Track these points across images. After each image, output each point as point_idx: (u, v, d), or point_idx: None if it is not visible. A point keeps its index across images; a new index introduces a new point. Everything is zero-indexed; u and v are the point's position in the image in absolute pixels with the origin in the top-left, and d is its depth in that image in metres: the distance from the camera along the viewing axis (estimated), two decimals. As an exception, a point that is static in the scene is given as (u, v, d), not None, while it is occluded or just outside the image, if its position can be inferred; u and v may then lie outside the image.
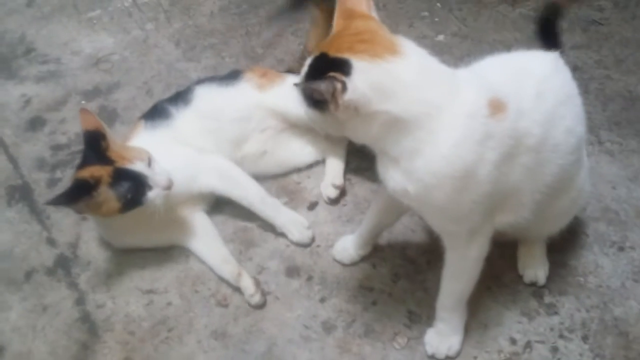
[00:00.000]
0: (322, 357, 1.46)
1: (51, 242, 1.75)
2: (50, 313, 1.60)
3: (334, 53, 1.07)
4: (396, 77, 1.06)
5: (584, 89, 1.79)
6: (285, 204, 1.76)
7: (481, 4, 2.33)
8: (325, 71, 1.05)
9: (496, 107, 1.11)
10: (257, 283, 1.56)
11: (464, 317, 1.41)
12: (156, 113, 1.73)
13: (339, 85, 1.03)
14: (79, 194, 1.42)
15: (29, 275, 1.68)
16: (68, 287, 1.65)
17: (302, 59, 1.80)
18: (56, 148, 1.99)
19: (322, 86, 1.03)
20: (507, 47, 2.11)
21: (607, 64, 2.06)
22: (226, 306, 1.57)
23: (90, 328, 1.56)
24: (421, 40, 2.12)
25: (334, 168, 1.79)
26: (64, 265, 1.69)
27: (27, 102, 2.16)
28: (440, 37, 2.21)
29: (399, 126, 1.08)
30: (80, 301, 1.62)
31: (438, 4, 2.32)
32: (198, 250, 1.65)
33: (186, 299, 1.59)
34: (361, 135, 1.14)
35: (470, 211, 1.17)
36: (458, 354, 1.42)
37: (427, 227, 1.60)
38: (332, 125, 1.13)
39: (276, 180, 1.83)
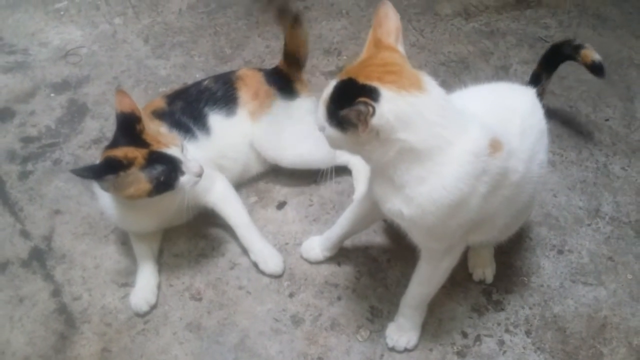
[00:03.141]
0: (291, 349, 1.56)
1: (25, 234, 1.79)
2: (26, 304, 1.65)
3: (363, 80, 1.13)
4: (418, 110, 1.13)
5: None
6: (255, 203, 1.85)
7: (437, 17, 2.46)
8: (354, 96, 1.10)
9: (495, 147, 1.20)
10: None
11: (424, 314, 1.54)
12: (176, 124, 1.72)
13: (370, 109, 1.09)
14: (106, 171, 1.43)
15: (3, 266, 1.72)
16: (44, 279, 1.69)
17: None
18: (26, 140, 2.01)
19: (361, 107, 1.09)
20: (462, 59, 2.27)
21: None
22: (200, 300, 1.65)
23: (67, 319, 1.62)
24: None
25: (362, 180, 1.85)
26: (38, 258, 1.74)
27: (-5, 92, 2.17)
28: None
29: (412, 155, 1.16)
30: (56, 293, 1.67)
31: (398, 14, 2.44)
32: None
33: (161, 293, 1.66)
34: (376, 158, 1.20)
35: (454, 232, 1.29)
36: (415, 347, 1.55)
37: (388, 229, 1.74)
38: (349, 145, 1.20)
39: (246, 181, 1.91)
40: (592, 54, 1.83)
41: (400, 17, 1.25)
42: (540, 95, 1.62)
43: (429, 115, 1.14)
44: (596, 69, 1.85)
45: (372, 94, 1.11)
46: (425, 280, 1.45)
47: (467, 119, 1.21)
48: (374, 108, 1.09)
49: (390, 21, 1.22)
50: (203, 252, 1.75)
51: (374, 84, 1.12)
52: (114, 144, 1.51)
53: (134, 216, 1.64)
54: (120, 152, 1.45)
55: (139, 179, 1.45)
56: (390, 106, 1.11)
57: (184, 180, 1.50)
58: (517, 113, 1.35)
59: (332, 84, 1.20)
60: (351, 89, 1.14)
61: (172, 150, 1.50)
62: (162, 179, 1.47)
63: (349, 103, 1.10)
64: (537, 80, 1.89)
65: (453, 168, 1.17)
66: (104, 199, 1.62)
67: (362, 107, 1.08)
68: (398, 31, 1.23)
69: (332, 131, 1.19)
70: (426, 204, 1.19)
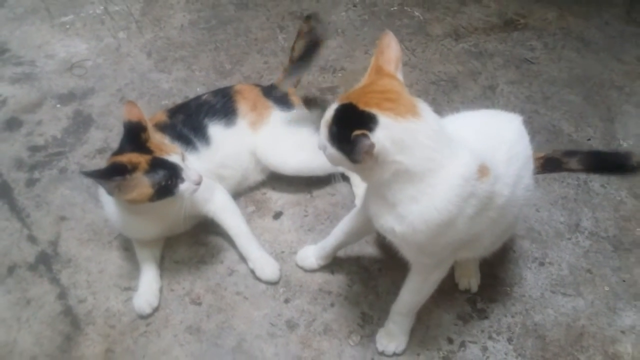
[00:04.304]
0: (286, 352, 1.64)
1: (32, 239, 1.86)
2: (33, 306, 1.72)
3: (363, 106, 1.20)
4: (413, 135, 1.20)
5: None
6: (253, 213, 1.94)
7: (429, 37, 2.57)
8: (353, 121, 1.19)
9: (483, 172, 1.27)
10: None
11: (412, 321, 1.63)
12: (178, 136, 1.80)
13: (372, 144, 1.16)
14: (113, 174, 1.50)
15: (11, 270, 1.79)
16: (50, 283, 1.77)
17: (286, 70, 2.02)
18: (34, 149, 2.09)
19: (366, 142, 1.15)
20: (451, 78, 2.37)
21: (536, 99, 2.32)
22: (199, 304, 1.73)
23: (72, 321, 1.69)
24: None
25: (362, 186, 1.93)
26: (45, 262, 1.81)
27: (3, 102, 2.24)
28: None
29: (406, 176, 1.23)
30: (62, 296, 1.74)
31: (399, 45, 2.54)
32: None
33: (162, 297, 1.74)
34: (373, 178, 1.28)
35: (442, 249, 1.37)
36: (404, 351, 1.63)
37: (379, 240, 1.83)
38: (349, 165, 1.26)
39: (244, 191, 1.99)
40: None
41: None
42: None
43: (423, 139, 1.21)
44: None
45: (370, 120, 1.18)
46: (415, 291, 1.54)
47: (458, 144, 1.27)
48: (373, 144, 1.16)
49: (391, 50, 1.30)
50: (203, 259, 1.83)
51: (373, 110, 1.19)
52: (120, 151, 1.59)
53: (136, 223, 1.72)
54: (125, 158, 1.54)
55: (142, 183, 1.53)
56: (387, 132, 1.18)
57: (183, 187, 1.57)
58: (504, 141, 1.42)
59: (333, 106, 1.27)
60: (351, 114, 1.22)
61: (173, 158, 1.58)
62: (163, 184, 1.54)
63: (349, 127, 1.17)
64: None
65: (444, 190, 1.23)
66: (109, 207, 1.70)
67: (366, 142, 1.15)
68: (398, 60, 1.31)
69: (333, 151, 1.26)
70: (417, 222, 1.26)
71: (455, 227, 1.28)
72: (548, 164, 1.75)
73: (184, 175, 1.57)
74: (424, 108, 1.25)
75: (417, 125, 1.21)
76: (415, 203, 1.25)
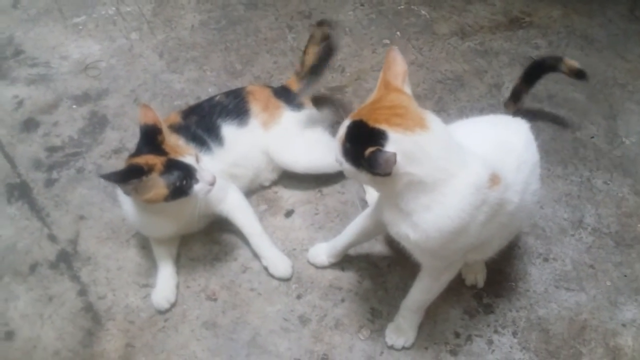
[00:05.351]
0: (298, 346, 1.71)
1: (52, 238, 1.93)
2: (55, 303, 1.79)
3: (373, 123, 1.26)
4: (423, 147, 1.26)
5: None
6: (264, 211, 2.00)
7: (435, 36, 2.60)
8: (365, 138, 1.25)
9: (494, 180, 1.32)
10: None
11: (421, 317, 1.69)
12: (192, 137, 1.85)
13: (392, 153, 1.21)
14: (130, 176, 1.56)
15: (33, 268, 1.86)
16: (71, 280, 1.84)
17: (298, 74, 2.07)
18: (51, 150, 2.15)
19: (388, 156, 1.20)
20: (457, 77, 2.42)
21: (541, 97, 2.36)
22: (215, 300, 1.80)
23: (93, 317, 1.76)
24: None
25: None
26: (65, 260, 1.88)
27: (20, 103, 2.30)
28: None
29: (419, 186, 1.28)
30: (82, 292, 1.81)
31: (398, 33, 2.58)
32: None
33: (179, 293, 1.81)
34: (386, 189, 1.34)
35: (454, 254, 1.43)
36: (412, 345, 1.70)
37: (388, 238, 1.88)
38: (364, 178, 1.32)
39: (256, 189, 2.04)
40: (574, 63, 2.01)
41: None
42: (519, 110, 1.77)
43: (432, 151, 1.27)
44: (580, 75, 2.03)
45: (381, 136, 1.24)
46: (425, 289, 1.60)
47: (468, 153, 1.33)
48: (394, 154, 1.20)
49: (397, 65, 1.36)
50: (217, 257, 1.89)
51: (382, 127, 1.25)
52: (137, 153, 1.65)
53: (153, 222, 1.77)
54: (142, 160, 1.59)
55: (158, 184, 1.59)
56: (398, 146, 1.23)
57: (197, 188, 1.63)
58: (514, 149, 1.48)
59: (345, 123, 1.32)
60: (362, 131, 1.27)
61: (188, 159, 1.64)
62: (177, 184, 1.60)
63: (361, 144, 1.24)
64: (518, 96, 2.03)
65: (456, 198, 1.29)
66: (127, 206, 1.76)
67: (387, 154, 1.20)
68: (405, 74, 1.36)
69: (348, 166, 1.32)
70: (431, 230, 1.32)
71: (467, 233, 1.34)
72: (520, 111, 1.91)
73: (198, 176, 1.63)
74: (432, 120, 1.30)
75: (426, 138, 1.26)
76: (429, 212, 1.30)
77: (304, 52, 2.07)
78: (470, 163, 1.31)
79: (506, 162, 1.43)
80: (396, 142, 1.24)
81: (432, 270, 1.54)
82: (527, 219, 1.66)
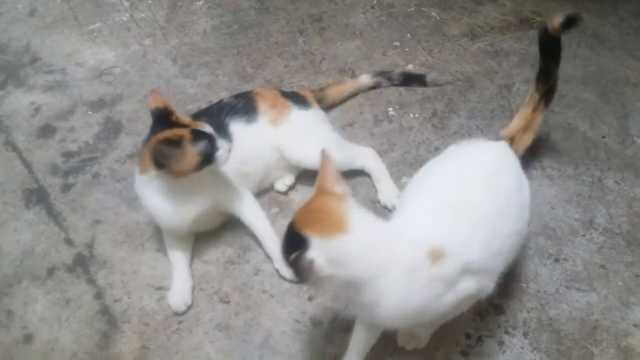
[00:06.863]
0: (310, 347, 1.72)
1: (69, 242, 1.97)
2: (72, 306, 1.83)
3: (298, 227, 1.28)
4: (343, 250, 1.26)
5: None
6: (276, 214, 2.02)
7: (445, 37, 2.62)
8: (295, 240, 1.26)
9: (436, 256, 1.30)
10: None
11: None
12: None
13: (312, 265, 1.22)
14: (169, 148, 1.61)
15: (50, 271, 1.90)
16: (87, 283, 1.87)
17: (314, 92, 2.20)
18: (67, 155, 2.20)
19: (305, 262, 1.22)
20: (468, 78, 2.43)
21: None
22: (228, 302, 1.82)
23: (109, 320, 1.80)
24: (393, 68, 2.41)
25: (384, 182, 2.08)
26: (82, 264, 1.92)
27: (37, 110, 2.35)
28: (410, 67, 2.48)
29: (355, 285, 1.28)
30: (99, 296, 1.85)
31: (408, 35, 2.60)
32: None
33: (193, 296, 1.83)
34: (326, 289, 1.38)
35: (444, 316, 1.44)
36: (424, 346, 1.70)
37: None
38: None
39: (267, 191, 2.07)
40: (556, 19, 1.78)
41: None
42: (553, 86, 1.78)
43: (354, 251, 1.27)
44: (571, 22, 1.80)
45: (304, 241, 1.25)
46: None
47: (396, 237, 1.32)
48: (312, 260, 1.22)
49: (327, 168, 1.36)
50: (230, 259, 1.92)
51: (306, 232, 1.26)
52: (152, 135, 1.69)
53: (177, 203, 1.76)
54: (168, 133, 1.65)
55: (190, 152, 1.65)
56: (319, 251, 1.23)
57: (219, 154, 1.70)
58: (472, 202, 1.44)
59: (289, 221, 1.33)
60: (291, 234, 1.29)
61: (207, 128, 1.71)
62: (206, 151, 1.67)
63: (290, 248, 1.27)
64: (548, 74, 1.88)
65: (397, 288, 1.28)
66: (147, 197, 1.77)
67: (305, 261, 1.22)
68: (334, 174, 1.36)
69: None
70: (394, 318, 1.34)
71: (436, 305, 1.34)
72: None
73: (218, 143, 1.70)
74: (355, 219, 1.30)
75: (344, 240, 1.26)
76: (379, 305, 1.30)
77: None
78: (399, 249, 1.30)
79: (462, 222, 1.40)
80: (317, 247, 1.24)
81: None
82: (526, 231, 1.63)
